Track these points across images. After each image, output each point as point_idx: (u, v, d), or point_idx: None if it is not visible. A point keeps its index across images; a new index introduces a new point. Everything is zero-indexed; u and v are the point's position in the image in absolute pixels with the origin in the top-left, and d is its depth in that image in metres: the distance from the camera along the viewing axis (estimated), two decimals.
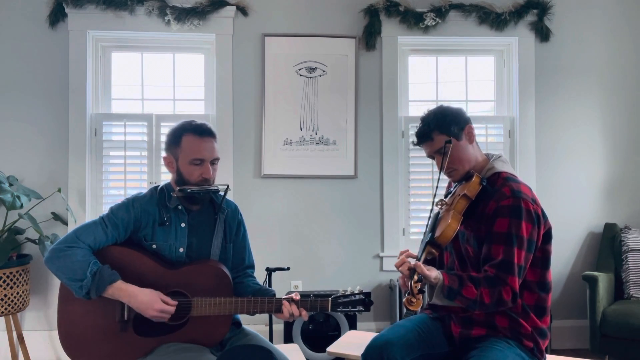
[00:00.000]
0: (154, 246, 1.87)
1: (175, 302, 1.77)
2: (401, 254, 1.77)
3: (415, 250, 1.81)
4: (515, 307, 1.76)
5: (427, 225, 1.86)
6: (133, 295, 1.73)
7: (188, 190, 1.85)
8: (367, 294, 1.82)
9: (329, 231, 3.58)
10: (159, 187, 1.94)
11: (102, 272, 1.71)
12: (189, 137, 1.87)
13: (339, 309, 1.81)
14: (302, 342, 3.12)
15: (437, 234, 1.73)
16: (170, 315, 1.76)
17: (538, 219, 1.74)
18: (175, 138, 1.89)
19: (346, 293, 1.82)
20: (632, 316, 2.96)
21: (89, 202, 3.47)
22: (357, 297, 1.81)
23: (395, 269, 1.74)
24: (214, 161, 1.90)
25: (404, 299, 1.60)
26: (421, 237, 1.84)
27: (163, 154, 1.96)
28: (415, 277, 1.60)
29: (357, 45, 3.57)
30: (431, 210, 1.84)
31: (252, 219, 3.41)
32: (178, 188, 1.87)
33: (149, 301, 1.73)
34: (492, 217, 1.74)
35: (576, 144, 3.65)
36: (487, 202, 1.76)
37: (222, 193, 1.95)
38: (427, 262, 1.75)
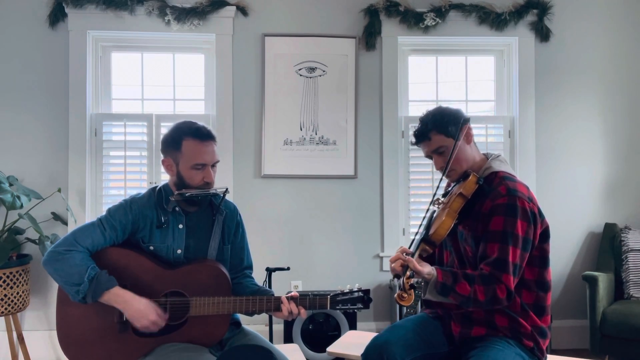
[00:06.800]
0: (152, 247, 1.87)
1: (167, 317, 1.77)
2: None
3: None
4: (514, 306, 1.76)
5: (421, 224, 1.86)
6: (129, 302, 1.72)
7: (187, 195, 1.85)
8: (366, 292, 1.82)
9: (329, 231, 3.58)
10: (157, 188, 1.93)
11: (99, 278, 1.71)
12: (189, 141, 1.85)
13: (338, 307, 1.81)
14: (302, 342, 3.12)
15: (431, 231, 1.74)
16: (159, 328, 1.75)
17: (534, 217, 1.74)
18: (175, 142, 1.86)
19: (345, 291, 1.82)
20: (632, 316, 2.96)
21: (89, 202, 3.47)
22: (356, 294, 1.81)
23: None
24: (214, 164, 1.90)
25: (396, 294, 1.61)
26: (418, 237, 1.85)
27: (161, 156, 1.94)
28: (408, 273, 1.61)
29: (357, 45, 3.57)
30: (428, 209, 1.85)
31: (252, 219, 3.41)
32: (177, 192, 1.86)
33: (144, 310, 1.72)
34: (488, 215, 1.74)
35: (576, 144, 3.65)
36: (484, 201, 1.77)
37: (221, 195, 1.94)
38: (424, 259, 1.75)
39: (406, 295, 1.58)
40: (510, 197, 1.72)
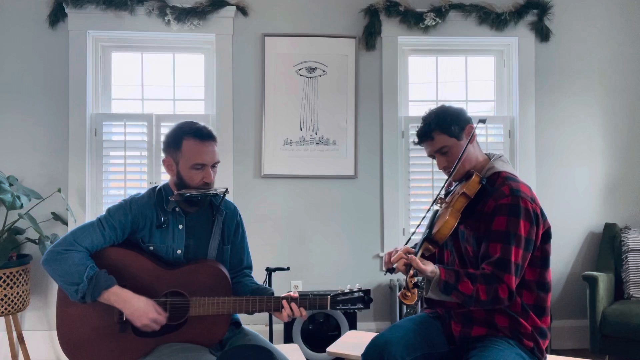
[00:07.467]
0: (152, 248, 1.87)
1: (166, 314, 1.77)
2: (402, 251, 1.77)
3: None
4: (514, 306, 1.76)
5: (421, 223, 1.86)
6: (128, 301, 1.72)
7: (186, 195, 1.85)
8: (367, 292, 1.82)
9: (329, 231, 3.58)
10: (157, 188, 1.93)
11: (98, 277, 1.71)
12: (190, 141, 1.85)
13: (338, 307, 1.81)
14: (302, 342, 3.12)
15: (434, 230, 1.75)
16: (160, 326, 1.75)
17: (537, 218, 1.74)
18: (176, 142, 1.86)
19: (345, 291, 1.82)
20: (632, 316, 2.96)
21: (89, 202, 3.47)
22: (357, 294, 1.81)
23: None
24: (214, 164, 1.89)
25: (399, 293, 1.61)
26: (421, 236, 1.85)
27: (162, 156, 1.94)
28: (411, 272, 1.61)
29: (357, 45, 3.57)
30: (429, 209, 1.85)
31: (252, 219, 3.41)
32: (176, 192, 1.86)
33: (144, 309, 1.72)
34: (490, 215, 1.74)
35: (576, 144, 3.65)
36: (487, 201, 1.77)
37: (220, 195, 1.94)
38: (425, 258, 1.75)
39: (409, 294, 1.59)
40: (513, 197, 1.72)
